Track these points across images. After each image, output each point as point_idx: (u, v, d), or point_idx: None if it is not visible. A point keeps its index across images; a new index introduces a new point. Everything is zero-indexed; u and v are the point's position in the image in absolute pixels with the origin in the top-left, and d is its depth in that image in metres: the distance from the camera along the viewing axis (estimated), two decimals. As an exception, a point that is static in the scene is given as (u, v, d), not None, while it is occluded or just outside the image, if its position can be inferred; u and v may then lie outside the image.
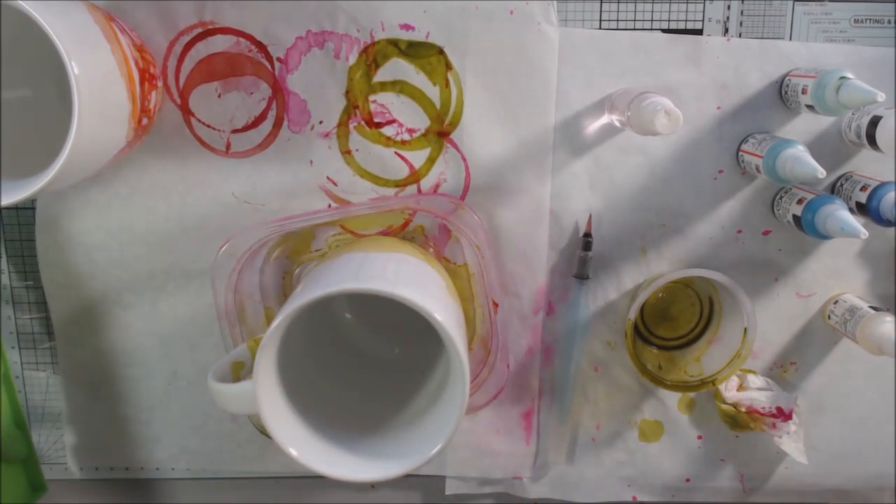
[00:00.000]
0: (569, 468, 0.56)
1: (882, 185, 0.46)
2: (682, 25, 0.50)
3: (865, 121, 0.46)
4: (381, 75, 0.49)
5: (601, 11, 0.50)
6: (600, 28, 0.50)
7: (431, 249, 0.52)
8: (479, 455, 0.56)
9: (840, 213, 0.44)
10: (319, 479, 0.41)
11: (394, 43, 0.49)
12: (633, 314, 0.49)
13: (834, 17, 0.50)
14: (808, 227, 0.46)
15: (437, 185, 0.51)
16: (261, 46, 0.49)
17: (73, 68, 0.36)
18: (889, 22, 0.50)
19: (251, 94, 0.50)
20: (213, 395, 0.40)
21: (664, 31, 0.50)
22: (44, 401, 0.56)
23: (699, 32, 0.50)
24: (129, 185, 0.51)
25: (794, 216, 0.48)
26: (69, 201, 0.51)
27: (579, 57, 0.49)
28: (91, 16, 0.40)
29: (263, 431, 0.47)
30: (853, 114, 0.48)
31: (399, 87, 0.49)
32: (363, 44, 0.49)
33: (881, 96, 0.40)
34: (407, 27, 0.48)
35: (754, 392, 0.52)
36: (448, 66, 0.49)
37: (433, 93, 0.50)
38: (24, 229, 0.52)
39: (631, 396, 0.55)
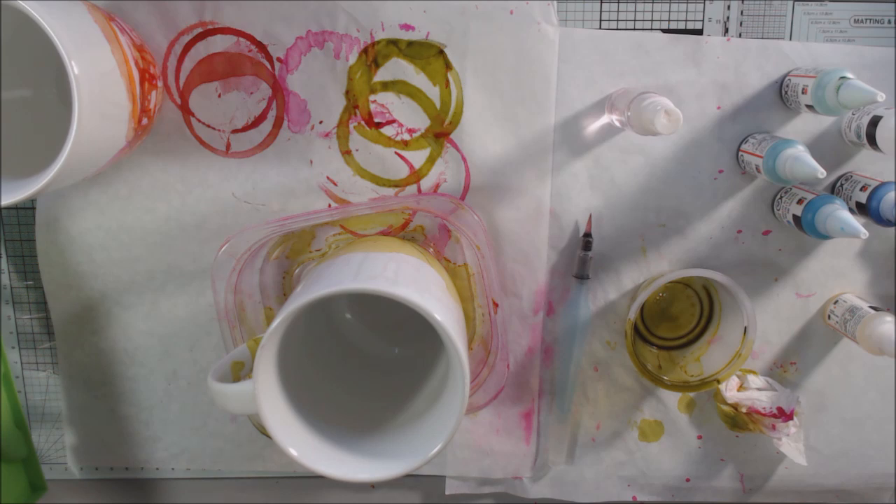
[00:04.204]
0: (569, 468, 0.56)
1: (882, 185, 0.46)
2: (682, 25, 0.50)
3: (865, 121, 0.46)
4: (381, 75, 0.49)
5: (601, 11, 0.50)
6: (600, 28, 0.50)
7: (431, 249, 0.52)
8: (479, 455, 0.56)
9: (840, 213, 0.44)
10: (319, 479, 0.41)
11: (394, 43, 0.49)
12: (633, 314, 0.49)
13: (834, 17, 0.50)
14: (808, 227, 0.46)
15: (437, 185, 0.51)
16: (261, 46, 0.49)
17: (73, 68, 0.36)
18: (889, 22, 0.50)
19: (251, 94, 0.50)
20: (212, 395, 0.40)
21: (664, 31, 0.50)
22: (44, 401, 0.56)
23: (699, 32, 0.50)
24: (129, 185, 0.51)
25: (794, 216, 0.48)
26: (69, 201, 0.51)
27: (579, 57, 0.49)
28: (91, 16, 0.40)
29: (263, 431, 0.47)
30: (853, 114, 0.48)
31: (399, 87, 0.49)
32: (363, 44, 0.49)
33: (881, 96, 0.40)
34: (407, 27, 0.48)
35: (755, 392, 0.52)
36: (448, 66, 0.49)
37: (433, 93, 0.50)
38: (24, 229, 0.52)
39: (631, 396, 0.55)
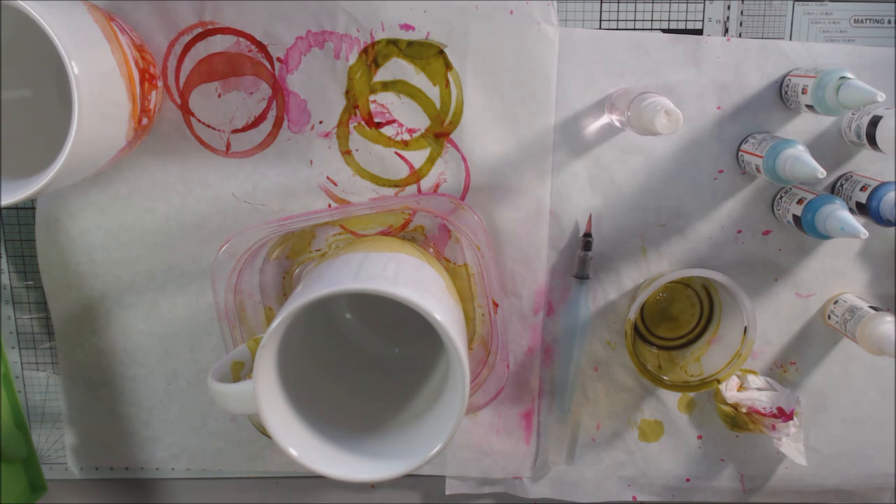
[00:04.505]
0: (569, 468, 0.56)
1: (882, 185, 0.46)
2: (682, 25, 0.50)
3: (865, 121, 0.46)
4: (381, 75, 0.49)
5: (601, 11, 0.50)
6: (600, 28, 0.50)
7: (431, 249, 0.52)
8: (479, 455, 0.56)
9: (840, 213, 0.44)
10: (319, 479, 0.41)
11: (394, 43, 0.49)
12: (633, 314, 0.49)
13: (834, 17, 0.50)
14: (808, 227, 0.46)
15: (437, 185, 0.51)
16: (261, 46, 0.49)
17: (73, 68, 0.36)
18: (889, 22, 0.50)
19: (251, 94, 0.50)
20: (212, 395, 0.40)
21: (664, 31, 0.50)
22: (44, 401, 0.56)
23: (699, 32, 0.50)
24: (129, 185, 0.51)
25: (794, 216, 0.48)
26: (69, 201, 0.51)
27: (579, 57, 0.49)
28: (91, 16, 0.40)
29: (263, 431, 0.47)
30: (853, 114, 0.48)
31: (399, 87, 0.49)
32: (363, 44, 0.49)
33: (881, 96, 0.40)
34: (407, 27, 0.48)
35: (755, 392, 0.52)
36: (448, 66, 0.49)
37: (433, 93, 0.50)
38: (24, 229, 0.52)
39: (631, 396, 0.55)
